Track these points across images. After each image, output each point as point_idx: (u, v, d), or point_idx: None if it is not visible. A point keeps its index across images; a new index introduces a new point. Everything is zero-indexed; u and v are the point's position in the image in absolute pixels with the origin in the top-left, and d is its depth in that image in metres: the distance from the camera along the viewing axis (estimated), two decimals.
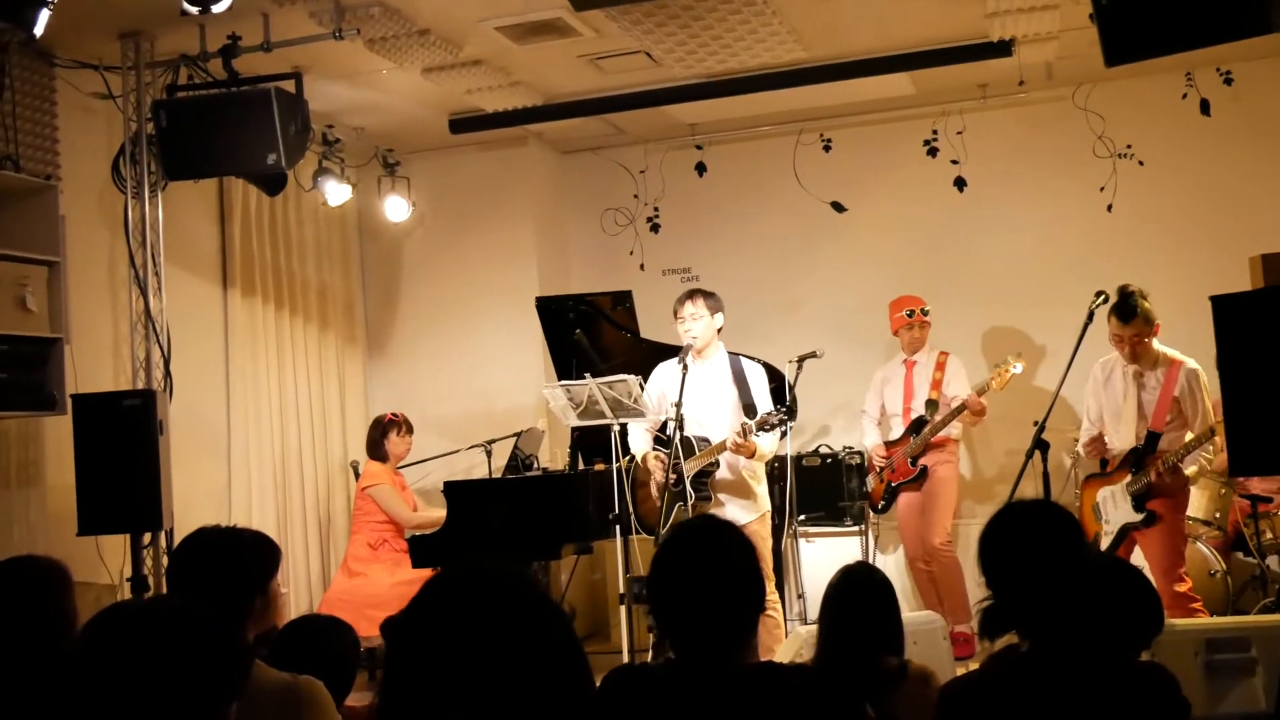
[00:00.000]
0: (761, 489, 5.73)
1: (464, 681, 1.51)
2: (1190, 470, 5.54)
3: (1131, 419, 5.67)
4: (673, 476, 5.45)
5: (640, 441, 5.87)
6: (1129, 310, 5.52)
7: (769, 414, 5.39)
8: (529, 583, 1.63)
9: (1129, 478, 5.62)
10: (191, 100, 5.66)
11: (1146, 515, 5.54)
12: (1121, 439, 5.71)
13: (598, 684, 2.16)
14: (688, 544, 2.46)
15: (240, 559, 2.73)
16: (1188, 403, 5.53)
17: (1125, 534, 5.62)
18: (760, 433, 5.40)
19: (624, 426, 5.77)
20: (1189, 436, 5.50)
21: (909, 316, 7.09)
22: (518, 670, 1.53)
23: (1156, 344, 5.61)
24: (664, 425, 5.83)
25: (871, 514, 7.35)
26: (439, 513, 6.92)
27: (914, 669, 3.29)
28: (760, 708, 2.24)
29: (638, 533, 5.79)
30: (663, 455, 5.62)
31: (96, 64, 5.75)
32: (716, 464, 5.62)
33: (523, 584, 1.62)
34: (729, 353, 5.82)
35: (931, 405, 6.89)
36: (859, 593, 3.30)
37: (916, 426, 6.92)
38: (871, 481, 7.22)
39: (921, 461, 6.90)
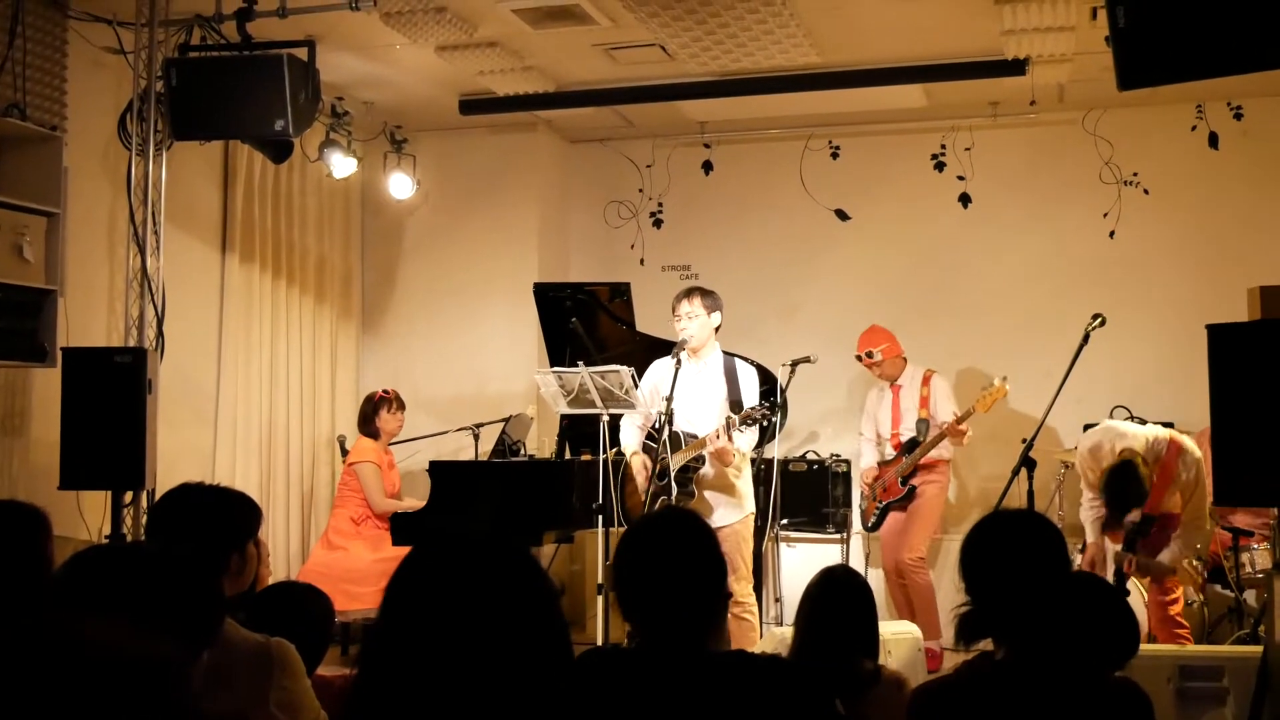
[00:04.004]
0: (746, 488, 5.72)
1: (448, 649, 1.50)
2: (1165, 556, 5.47)
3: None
4: (657, 471, 5.44)
5: (632, 437, 5.85)
6: (1131, 501, 5.31)
7: (752, 409, 5.39)
8: (522, 554, 1.61)
9: (1118, 549, 5.61)
10: (203, 61, 5.64)
11: (1120, 587, 5.53)
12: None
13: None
14: (649, 534, 2.51)
15: (221, 515, 2.72)
16: (1184, 486, 5.38)
17: None
18: (743, 427, 5.39)
19: (615, 418, 5.77)
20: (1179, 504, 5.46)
21: (858, 360, 7.14)
22: (503, 641, 1.52)
23: (1149, 431, 5.50)
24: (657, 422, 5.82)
25: (863, 531, 7.35)
26: (412, 503, 6.92)
27: (887, 674, 3.29)
28: (732, 693, 2.24)
29: (621, 524, 5.78)
30: (648, 461, 5.60)
31: (110, 18, 5.73)
32: (701, 460, 5.61)
33: (515, 555, 1.61)
34: (724, 352, 5.81)
35: (923, 425, 6.90)
36: (839, 593, 3.30)
37: (909, 447, 6.94)
38: (865, 502, 7.23)
39: (911, 481, 6.90)
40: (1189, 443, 5.39)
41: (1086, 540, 5.84)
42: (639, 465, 5.64)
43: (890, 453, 7.09)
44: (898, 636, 5.26)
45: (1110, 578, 5.59)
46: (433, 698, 1.46)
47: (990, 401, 6.53)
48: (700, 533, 2.47)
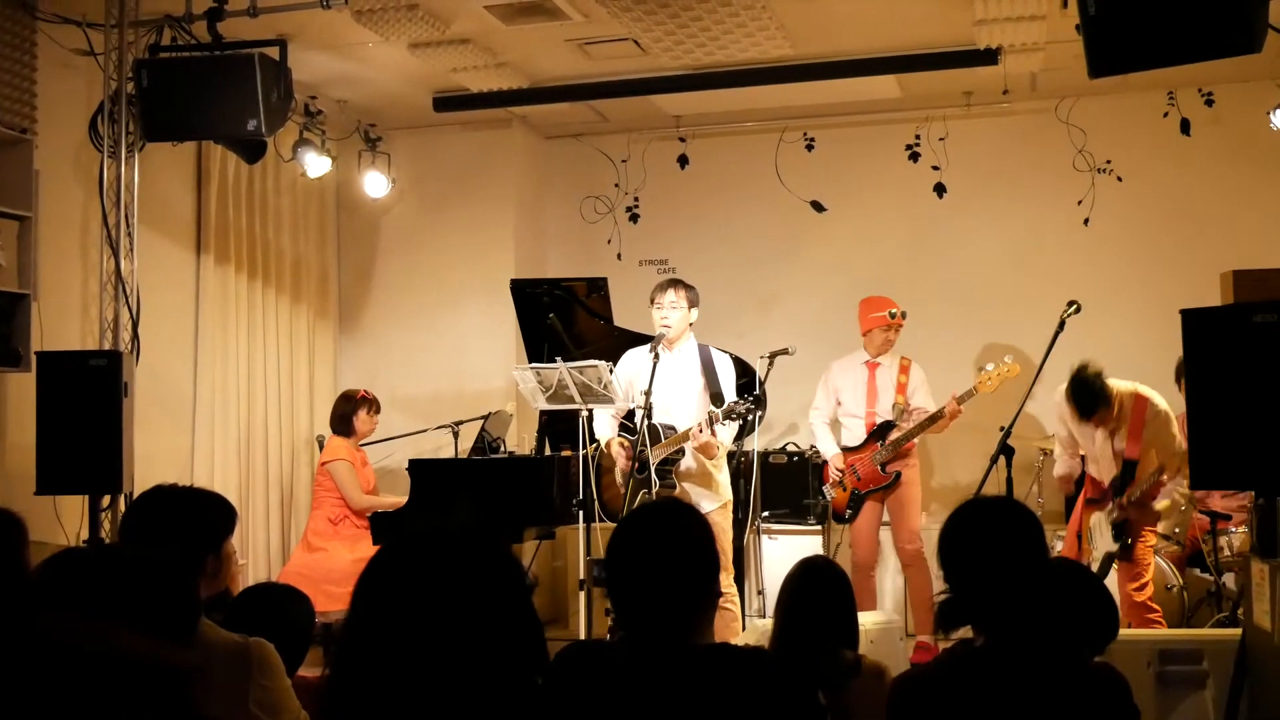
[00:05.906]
0: (724, 478, 5.74)
1: (418, 643, 1.49)
2: (1161, 505, 5.54)
3: (1109, 460, 5.66)
4: (637, 464, 5.45)
5: (606, 428, 5.86)
6: (1097, 398, 5.44)
7: (735, 403, 5.40)
8: (493, 547, 1.60)
9: (1110, 505, 5.65)
10: (174, 61, 5.61)
11: (1122, 546, 5.55)
12: (1102, 474, 5.74)
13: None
14: (646, 523, 2.49)
15: (195, 516, 2.71)
16: (1158, 442, 5.49)
17: (1109, 562, 5.60)
18: (726, 421, 5.40)
19: (591, 412, 5.76)
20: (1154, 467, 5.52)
21: (891, 318, 6.82)
22: (474, 634, 1.51)
23: (1114, 382, 5.57)
24: (630, 413, 5.82)
25: (836, 523, 7.25)
26: (390, 499, 6.90)
27: (868, 663, 3.30)
28: (715, 686, 2.24)
29: (601, 520, 5.79)
30: (627, 442, 5.62)
31: (79, 19, 5.68)
32: (681, 452, 5.62)
33: (486, 548, 1.60)
34: (699, 343, 5.82)
35: (897, 410, 6.73)
36: (817, 584, 3.31)
37: (881, 432, 6.72)
38: (833, 491, 6.90)
39: (892, 468, 6.67)
40: (1154, 393, 5.56)
41: (1059, 471, 5.98)
42: (618, 448, 5.63)
43: (851, 430, 6.86)
44: (880, 627, 5.28)
45: (1110, 538, 5.62)
46: (405, 693, 1.46)
47: (997, 382, 6.27)
48: (695, 525, 2.45)
